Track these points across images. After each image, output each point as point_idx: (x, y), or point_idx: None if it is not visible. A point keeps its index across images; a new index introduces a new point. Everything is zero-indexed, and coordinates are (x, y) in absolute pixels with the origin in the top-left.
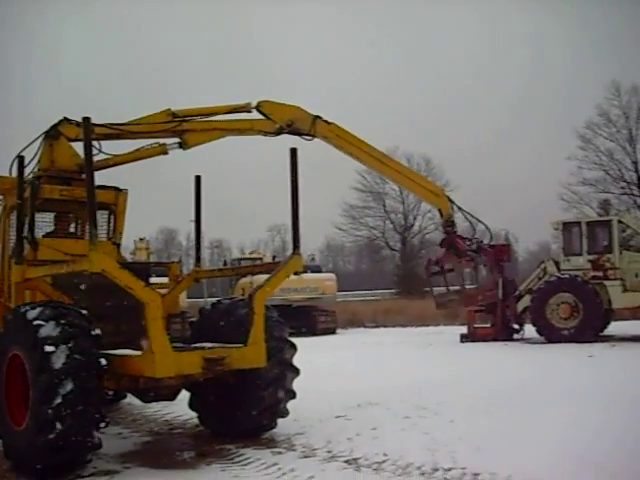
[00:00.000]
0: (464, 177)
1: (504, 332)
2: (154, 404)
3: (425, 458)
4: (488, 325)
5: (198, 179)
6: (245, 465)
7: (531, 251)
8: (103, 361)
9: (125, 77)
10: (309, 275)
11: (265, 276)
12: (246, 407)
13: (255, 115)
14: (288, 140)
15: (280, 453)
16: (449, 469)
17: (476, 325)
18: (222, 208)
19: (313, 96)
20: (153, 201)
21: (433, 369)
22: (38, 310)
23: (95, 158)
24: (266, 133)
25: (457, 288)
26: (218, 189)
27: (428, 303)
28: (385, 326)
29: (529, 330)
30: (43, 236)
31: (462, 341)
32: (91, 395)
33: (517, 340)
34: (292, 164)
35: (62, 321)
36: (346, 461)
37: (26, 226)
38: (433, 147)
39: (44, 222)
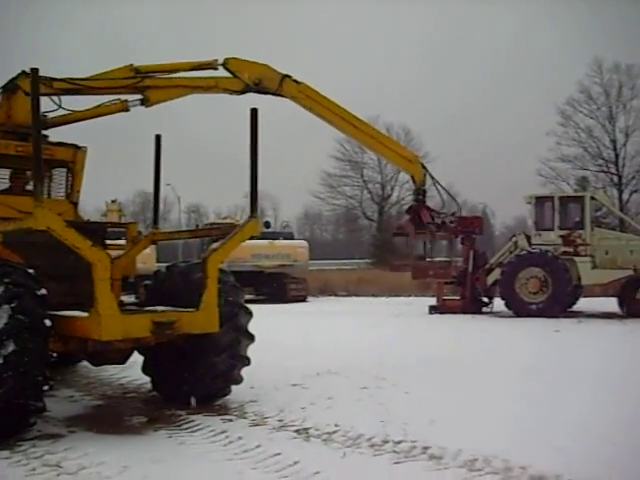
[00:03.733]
0: (443, 149)
1: (473, 305)
2: (111, 367)
3: (376, 430)
4: (457, 297)
5: (158, 138)
6: (193, 432)
7: (508, 225)
8: (48, 322)
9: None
10: (281, 242)
11: None
12: (199, 373)
13: (222, 73)
14: (274, 103)
15: (230, 421)
16: (399, 442)
17: (445, 297)
18: (200, 172)
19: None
20: (130, 163)
21: (397, 340)
22: None
23: (55, 114)
24: (232, 92)
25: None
26: (197, 153)
27: (401, 274)
28: (357, 295)
29: (498, 304)
30: None
31: (431, 313)
32: (34, 357)
33: (486, 313)
34: (252, 125)
35: (6, 280)
36: (296, 430)
37: None
38: (413, 118)
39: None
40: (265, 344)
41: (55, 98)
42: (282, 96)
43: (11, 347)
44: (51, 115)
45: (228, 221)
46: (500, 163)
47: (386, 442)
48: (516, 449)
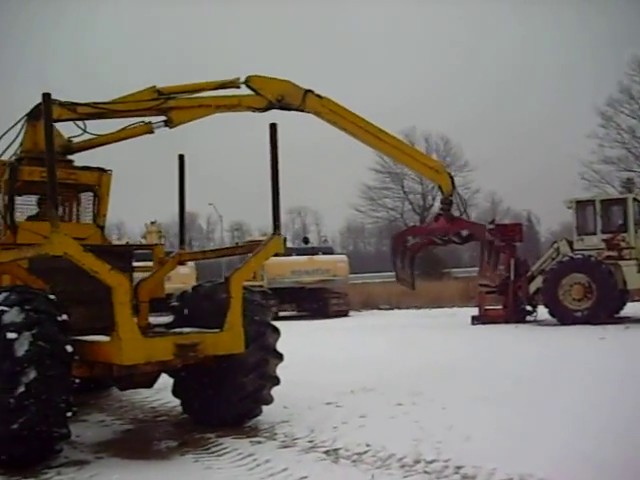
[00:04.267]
0: (484, 158)
1: (516, 314)
2: (145, 390)
3: (408, 449)
4: (499, 307)
5: (181, 158)
6: (220, 455)
7: (554, 231)
8: (69, 348)
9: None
10: (320, 257)
11: None
12: (227, 394)
13: (244, 91)
14: (312, 122)
15: (259, 443)
16: (431, 461)
17: (487, 307)
18: (243, 191)
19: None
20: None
21: (437, 353)
22: (3, 295)
23: (80, 138)
24: (255, 109)
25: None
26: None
27: (445, 284)
28: (399, 308)
29: (542, 312)
30: (26, 219)
31: (473, 323)
32: (56, 383)
33: (529, 322)
34: (272, 141)
35: (27, 307)
36: (326, 452)
37: (1, 209)
38: (452, 128)
39: (29, 205)
40: (302, 361)
41: (80, 123)
42: (305, 111)
43: (32, 374)
44: (76, 140)
45: (266, 238)
46: (543, 168)
47: (418, 462)
48: (555, 469)
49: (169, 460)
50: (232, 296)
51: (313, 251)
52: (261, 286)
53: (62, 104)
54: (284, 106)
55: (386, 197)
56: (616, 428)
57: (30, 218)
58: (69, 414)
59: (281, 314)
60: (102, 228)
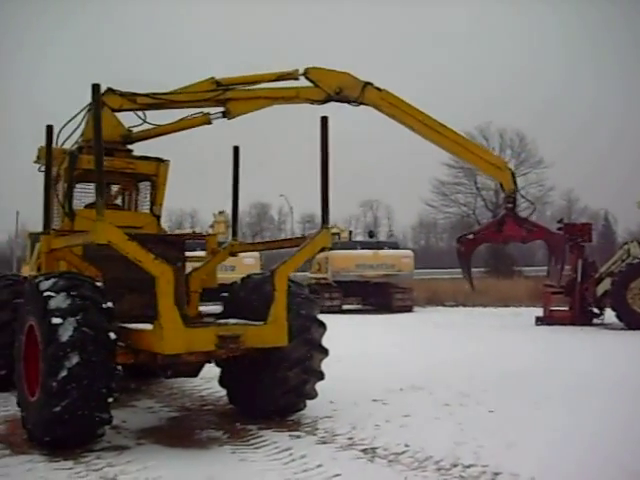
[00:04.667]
0: (560, 154)
1: (582, 316)
2: (196, 379)
3: (447, 452)
4: (566, 308)
5: (236, 150)
6: (258, 448)
7: (632, 232)
8: (112, 335)
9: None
10: (385, 251)
11: None
12: (271, 387)
13: (302, 82)
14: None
15: (298, 437)
16: (469, 466)
17: (552, 308)
18: (315, 183)
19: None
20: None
21: (494, 353)
22: (51, 281)
23: (139, 128)
24: (313, 101)
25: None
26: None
27: (515, 283)
28: (465, 305)
29: (610, 315)
30: (85, 207)
31: (537, 324)
32: (98, 369)
33: (596, 325)
34: (322, 134)
35: (73, 293)
36: (363, 450)
37: (60, 197)
38: (528, 124)
39: (89, 193)
40: (356, 355)
41: (140, 113)
42: (364, 104)
43: (75, 359)
44: (136, 130)
45: (335, 230)
46: (622, 167)
47: (455, 466)
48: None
49: (207, 449)
50: (277, 289)
51: (378, 245)
52: (326, 279)
53: (123, 94)
54: (343, 98)
55: (458, 192)
56: None
57: (89, 206)
58: (110, 400)
59: (345, 307)
60: (158, 217)
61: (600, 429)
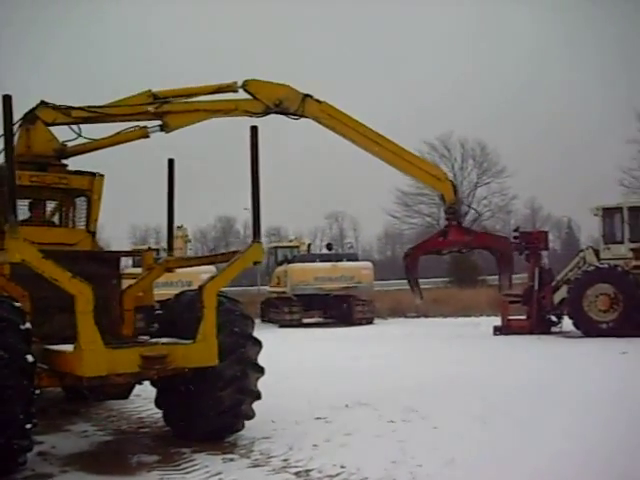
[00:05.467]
0: (521, 163)
1: (540, 325)
2: (138, 399)
3: (384, 472)
4: (523, 317)
5: (171, 163)
6: (188, 473)
7: (595, 239)
8: (30, 357)
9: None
10: (344, 263)
11: None
12: (205, 408)
13: (242, 95)
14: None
15: (232, 460)
16: None
17: (510, 317)
18: (279, 196)
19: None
20: (211, 189)
21: (448, 366)
22: None
23: (75, 142)
24: (252, 114)
25: None
26: (278, 176)
27: (478, 292)
28: (426, 316)
29: (568, 323)
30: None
31: (495, 334)
32: (15, 394)
33: (554, 333)
34: (252, 144)
35: None
36: (296, 472)
37: None
38: (489, 133)
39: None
40: (308, 371)
41: (75, 127)
42: (304, 116)
43: None
44: (71, 144)
45: (293, 244)
46: (582, 175)
47: None
48: None
49: (134, 476)
50: (205, 306)
51: (337, 257)
52: (285, 292)
53: (56, 107)
54: (282, 110)
55: (421, 203)
56: (621, 453)
57: (22, 223)
58: (29, 425)
59: (305, 321)
60: (93, 233)
61: (547, 444)
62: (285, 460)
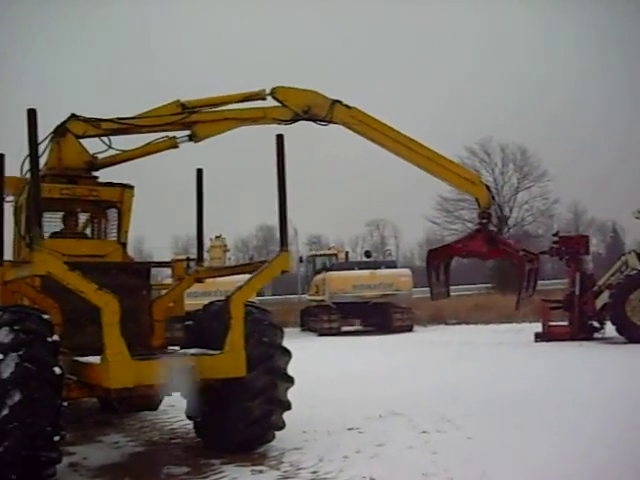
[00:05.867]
0: (565, 167)
1: (582, 331)
2: (170, 410)
3: None
4: (565, 323)
5: (200, 172)
6: None
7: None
8: (58, 370)
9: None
10: (383, 271)
11: None
12: (234, 419)
13: (270, 102)
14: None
15: (261, 472)
16: None
17: (551, 323)
18: (322, 204)
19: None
20: (252, 198)
21: (486, 374)
22: None
23: (105, 154)
24: (281, 121)
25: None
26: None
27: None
28: (467, 323)
29: (611, 329)
30: (50, 236)
31: (536, 341)
32: (43, 406)
33: (596, 339)
34: (278, 152)
35: (16, 327)
36: None
37: (22, 227)
38: (531, 137)
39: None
40: (343, 379)
41: (105, 139)
42: (333, 122)
43: (17, 397)
44: (101, 156)
45: (331, 252)
46: (629, 177)
47: None
48: None
49: None
50: (233, 316)
51: (375, 265)
52: (323, 301)
53: (86, 120)
54: (311, 117)
55: (462, 209)
56: None
57: (55, 235)
58: (57, 438)
59: (344, 329)
60: (124, 245)
61: (586, 456)
62: (314, 472)
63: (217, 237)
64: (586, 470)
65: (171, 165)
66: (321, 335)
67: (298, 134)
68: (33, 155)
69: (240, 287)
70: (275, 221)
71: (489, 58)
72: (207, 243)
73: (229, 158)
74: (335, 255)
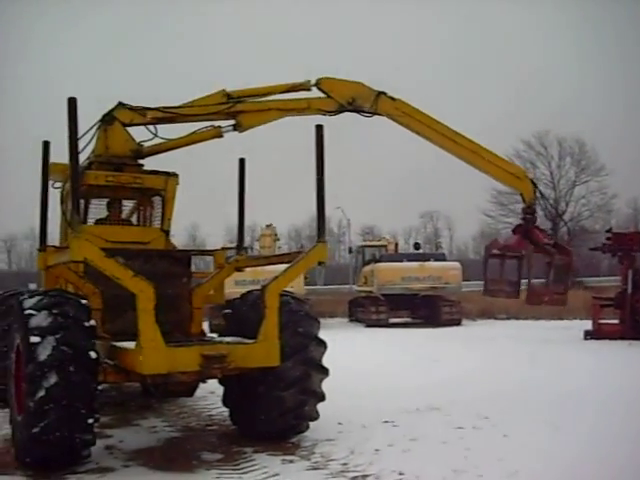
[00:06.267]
0: (625, 162)
1: (633, 330)
2: (210, 396)
3: None
4: (616, 321)
5: (242, 162)
6: (245, 473)
7: None
8: (93, 354)
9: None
10: (431, 263)
11: None
12: (268, 408)
13: (314, 93)
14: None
15: (291, 462)
16: None
17: (601, 321)
18: (376, 195)
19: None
20: (306, 188)
21: (530, 371)
22: (35, 299)
23: (151, 142)
24: (325, 112)
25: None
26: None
27: (573, 295)
28: (517, 318)
29: None
30: (95, 222)
31: (585, 338)
32: (78, 389)
33: None
34: (318, 143)
35: (55, 311)
36: (353, 477)
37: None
38: (590, 131)
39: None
40: (384, 372)
41: (151, 127)
42: (378, 114)
43: (53, 379)
44: (147, 144)
45: (381, 242)
46: None
47: None
48: None
49: (192, 473)
50: (267, 306)
51: (425, 257)
52: (372, 292)
53: (133, 109)
54: (356, 109)
55: (517, 202)
56: None
57: (100, 221)
58: (91, 420)
59: (392, 321)
60: (167, 232)
61: (622, 458)
62: (344, 464)
63: (267, 226)
64: (619, 473)
65: (228, 155)
66: (368, 326)
67: (355, 125)
68: (73, 143)
69: (276, 277)
70: (328, 211)
71: (548, 52)
72: (259, 232)
73: (286, 148)
74: (385, 246)
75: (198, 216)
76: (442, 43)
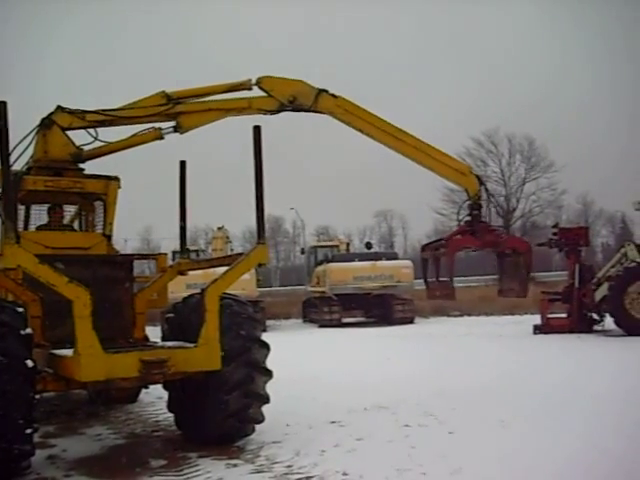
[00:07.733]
0: (573, 158)
1: (581, 323)
2: (159, 402)
3: None
4: (563, 315)
5: (183, 164)
6: (188, 478)
7: None
8: (30, 363)
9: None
10: (383, 262)
11: None
12: (212, 412)
13: (256, 92)
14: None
15: (235, 466)
16: None
17: (550, 315)
18: (330, 195)
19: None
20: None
21: (479, 367)
22: None
23: (91, 146)
24: (266, 111)
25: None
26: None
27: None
28: (469, 315)
29: (611, 321)
30: (36, 229)
31: (535, 333)
32: (14, 399)
33: (595, 332)
34: (255, 143)
35: None
36: None
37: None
38: (538, 128)
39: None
40: (334, 372)
41: (92, 131)
42: (318, 112)
43: None
44: (87, 148)
45: (334, 243)
46: (638, 168)
47: None
48: None
49: None
50: (207, 309)
51: (376, 256)
52: (324, 292)
53: (72, 112)
54: (297, 107)
55: (469, 200)
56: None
57: (41, 227)
58: (29, 431)
59: (345, 320)
60: (109, 237)
61: (568, 453)
62: (289, 466)
63: (219, 228)
64: (566, 468)
65: (184, 157)
66: (322, 327)
67: (308, 125)
68: (3, 148)
69: (215, 280)
70: (282, 212)
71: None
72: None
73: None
74: (337, 246)
75: (152, 220)
76: (400, 40)
